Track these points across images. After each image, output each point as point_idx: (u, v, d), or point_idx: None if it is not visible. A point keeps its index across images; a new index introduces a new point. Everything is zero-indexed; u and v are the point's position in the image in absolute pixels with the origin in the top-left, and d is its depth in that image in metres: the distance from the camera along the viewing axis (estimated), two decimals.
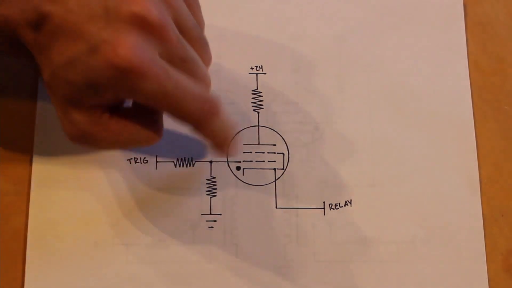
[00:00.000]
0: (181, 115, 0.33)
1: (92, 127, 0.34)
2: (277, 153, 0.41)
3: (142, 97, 0.32)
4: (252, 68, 0.42)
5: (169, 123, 0.37)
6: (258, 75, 0.42)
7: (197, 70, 0.34)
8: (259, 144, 0.41)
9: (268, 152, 0.41)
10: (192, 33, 0.35)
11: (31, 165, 0.40)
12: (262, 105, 0.41)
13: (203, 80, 0.35)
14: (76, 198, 0.39)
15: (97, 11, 0.31)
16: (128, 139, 0.35)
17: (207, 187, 0.40)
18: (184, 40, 0.33)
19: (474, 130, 0.41)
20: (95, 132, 0.34)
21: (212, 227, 0.39)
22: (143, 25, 0.31)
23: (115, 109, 0.34)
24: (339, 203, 0.40)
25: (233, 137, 0.36)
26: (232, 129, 0.36)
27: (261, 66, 0.42)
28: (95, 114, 0.33)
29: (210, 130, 0.34)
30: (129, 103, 0.36)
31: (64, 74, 0.32)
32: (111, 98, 0.33)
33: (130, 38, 0.31)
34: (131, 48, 0.30)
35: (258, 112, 0.41)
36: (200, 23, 0.36)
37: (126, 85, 0.31)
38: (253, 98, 0.42)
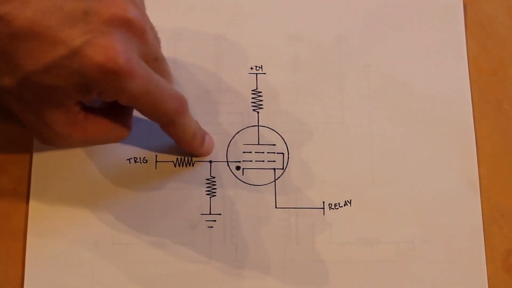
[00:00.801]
0: (159, 113, 0.34)
1: (68, 128, 0.34)
2: (277, 153, 0.41)
3: (126, 97, 0.32)
4: (252, 68, 0.42)
5: None
6: (258, 75, 0.42)
7: (165, 68, 0.35)
8: (258, 144, 0.41)
9: (267, 152, 0.41)
10: (154, 31, 0.35)
11: (31, 164, 0.40)
12: (262, 105, 0.41)
13: (170, 78, 0.36)
14: (76, 198, 0.39)
15: (74, 13, 0.30)
16: (102, 138, 0.36)
17: (207, 187, 0.40)
18: (155, 40, 0.34)
19: (474, 130, 0.41)
20: (72, 133, 0.34)
21: (211, 227, 0.39)
22: (124, 26, 0.31)
23: (88, 108, 0.35)
24: (339, 203, 0.40)
25: (203, 136, 0.39)
26: (197, 125, 0.37)
27: (261, 66, 0.42)
28: (71, 114, 0.33)
29: (181, 126, 0.36)
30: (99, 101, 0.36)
31: (40, 79, 0.31)
32: (93, 98, 0.33)
33: (115, 40, 0.30)
34: (118, 49, 0.30)
35: (258, 112, 0.41)
36: None
37: (113, 86, 0.31)
38: (252, 98, 0.42)
